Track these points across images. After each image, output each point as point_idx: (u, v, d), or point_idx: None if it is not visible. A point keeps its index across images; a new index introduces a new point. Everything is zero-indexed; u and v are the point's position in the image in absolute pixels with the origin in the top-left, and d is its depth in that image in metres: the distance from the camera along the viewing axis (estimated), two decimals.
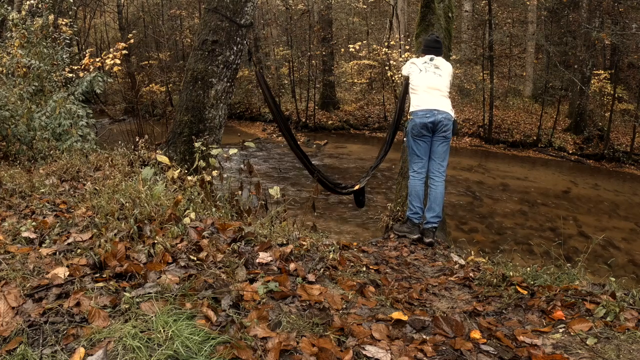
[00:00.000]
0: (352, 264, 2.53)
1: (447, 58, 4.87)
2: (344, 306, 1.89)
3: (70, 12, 15.17)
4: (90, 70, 7.37)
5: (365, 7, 19.26)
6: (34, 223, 2.38)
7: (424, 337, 1.71)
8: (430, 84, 4.00)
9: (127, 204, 2.52)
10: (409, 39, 16.31)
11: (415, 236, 3.87)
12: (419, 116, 3.89)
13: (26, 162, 4.31)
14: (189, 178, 3.50)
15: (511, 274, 2.51)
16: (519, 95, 17.46)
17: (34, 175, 3.59)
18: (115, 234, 2.19)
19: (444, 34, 4.82)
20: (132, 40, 12.69)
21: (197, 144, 3.53)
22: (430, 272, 2.91)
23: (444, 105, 3.93)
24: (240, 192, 3.67)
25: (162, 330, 1.41)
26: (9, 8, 6.97)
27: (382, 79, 17.98)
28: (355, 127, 17.01)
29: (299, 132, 16.45)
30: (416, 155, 3.98)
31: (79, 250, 2.04)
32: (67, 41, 7.65)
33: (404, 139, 4.11)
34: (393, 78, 16.27)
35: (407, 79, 4.29)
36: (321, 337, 1.57)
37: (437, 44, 4.13)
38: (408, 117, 4.02)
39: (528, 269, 2.64)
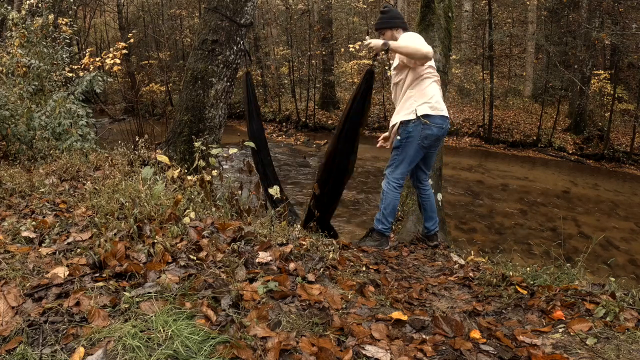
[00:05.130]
0: (352, 263, 2.53)
1: (448, 58, 4.86)
2: (344, 306, 1.89)
3: (70, 12, 15.16)
4: (90, 69, 7.37)
5: (365, 7, 19.27)
6: (33, 222, 2.38)
7: (424, 336, 1.71)
8: (439, 77, 3.36)
9: (127, 204, 2.52)
10: None
11: (388, 247, 3.46)
12: (438, 125, 3.21)
13: (26, 161, 4.31)
14: (189, 178, 3.50)
15: (511, 273, 2.51)
16: (519, 95, 17.47)
17: (34, 175, 3.59)
18: (115, 234, 2.19)
19: (444, 34, 4.81)
20: (132, 40, 12.70)
21: (197, 144, 3.53)
22: (430, 272, 2.91)
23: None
24: (240, 192, 3.67)
25: (161, 330, 1.41)
26: (9, 7, 6.97)
27: (382, 79, 17.97)
28: None
29: (299, 131, 16.47)
30: (409, 164, 3.33)
31: (78, 250, 2.04)
32: (67, 41, 7.66)
33: (402, 141, 3.30)
34: None
35: (424, 58, 3.12)
36: (321, 337, 1.57)
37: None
38: (420, 119, 3.19)
39: (528, 268, 2.64)
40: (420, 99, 3.22)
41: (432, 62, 3.27)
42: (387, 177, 3.39)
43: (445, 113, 3.28)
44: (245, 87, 4.31)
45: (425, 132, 3.20)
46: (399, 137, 3.31)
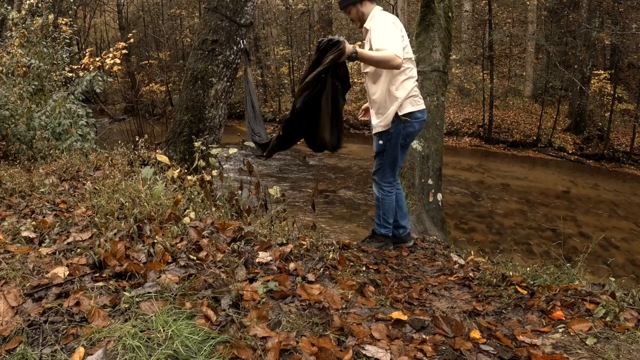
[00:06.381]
0: (352, 263, 2.53)
1: (447, 58, 4.86)
2: (344, 306, 1.89)
3: (70, 12, 15.17)
4: (90, 69, 7.37)
5: None
6: (33, 222, 2.39)
7: (424, 336, 1.71)
8: (412, 62, 3.01)
9: (127, 204, 2.52)
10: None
11: (392, 246, 3.34)
12: (419, 120, 3.02)
13: (26, 161, 4.31)
14: (189, 178, 3.50)
15: (511, 273, 2.51)
16: (519, 95, 17.48)
17: (34, 175, 3.59)
18: (115, 234, 2.19)
19: (444, 34, 4.81)
20: (132, 40, 12.69)
21: (197, 144, 3.53)
22: (429, 272, 2.91)
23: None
24: (240, 192, 3.67)
25: (161, 330, 1.41)
26: (9, 7, 6.97)
27: None
28: (355, 127, 17.01)
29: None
30: (395, 165, 3.14)
31: (78, 250, 2.04)
32: (67, 40, 7.66)
33: (385, 145, 3.08)
34: None
35: (396, 67, 2.78)
36: (321, 337, 1.57)
37: None
38: (401, 118, 2.97)
39: (528, 268, 2.64)
40: (401, 95, 2.94)
41: (409, 54, 2.98)
42: (378, 182, 3.22)
43: (423, 105, 3.08)
44: (245, 83, 4.04)
45: (407, 130, 3.01)
46: (380, 142, 3.08)
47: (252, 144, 3.58)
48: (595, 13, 14.62)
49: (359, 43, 18.05)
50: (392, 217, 3.27)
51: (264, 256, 2.17)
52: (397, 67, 2.78)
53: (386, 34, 2.79)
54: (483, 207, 9.11)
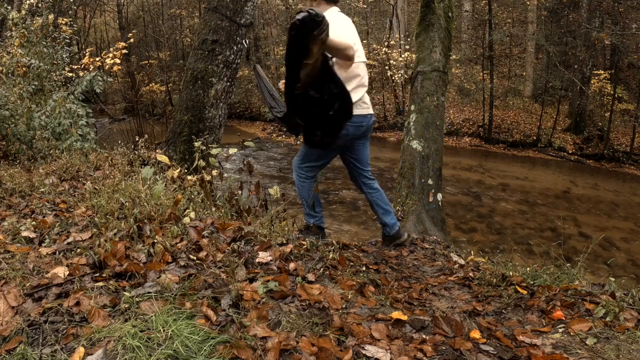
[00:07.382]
0: (352, 263, 2.53)
1: (447, 58, 4.85)
2: (344, 306, 1.89)
3: (70, 12, 15.17)
4: (90, 69, 7.37)
5: (365, 7, 19.26)
6: (33, 222, 2.39)
7: (424, 336, 1.71)
8: (364, 67, 2.90)
9: (127, 204, 2.52)
10: (409, 39, 16.33)
11: (325, 240, 3.13)
12: (356, 124, 2.81)
13: (26, 161, 4.31)
14: (189, 177, 3.50)
15: (511, 273, 2.51)
16: (519, 95, 17.48)
17: (34, 175, 3.59)
18: (115, 234, 2.19)
19: (444, 34, 4.81)
20: (132, 40, 12.70)
21: (197, 144, 3.53)
22: (429, 272, 2.91)
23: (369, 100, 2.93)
24: (240, 192, 3.66)
25: (161, 330, 1.41)
26: (9, 7, 6.98)
27: (382, 78, 17.98)
28: None
29: None
30: (317, 160, 3.04)
31: (78, 250, 2.04)
32: (67, 40, 7.66)
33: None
34: (393, 78, 16.27)
35: (343, 50, 2.50)
36: (321, 337, 1.57)
37: None
38: None
39: (528, 268, 2.64)
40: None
41: (361, 57, 2.85)
42: (295, 168, 3.07)
43: (368, 111, 2.90)
44: (256, 77, 3.76)
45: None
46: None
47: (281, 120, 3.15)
48: (595, 13, 14.61)
49: None
50: (318, 205, 3.14)
51: (264, 256, 2.17)
52: (351, 58, 2.64)
53: (341, 28, 2.68)
54: (483, 207, 9.11)
